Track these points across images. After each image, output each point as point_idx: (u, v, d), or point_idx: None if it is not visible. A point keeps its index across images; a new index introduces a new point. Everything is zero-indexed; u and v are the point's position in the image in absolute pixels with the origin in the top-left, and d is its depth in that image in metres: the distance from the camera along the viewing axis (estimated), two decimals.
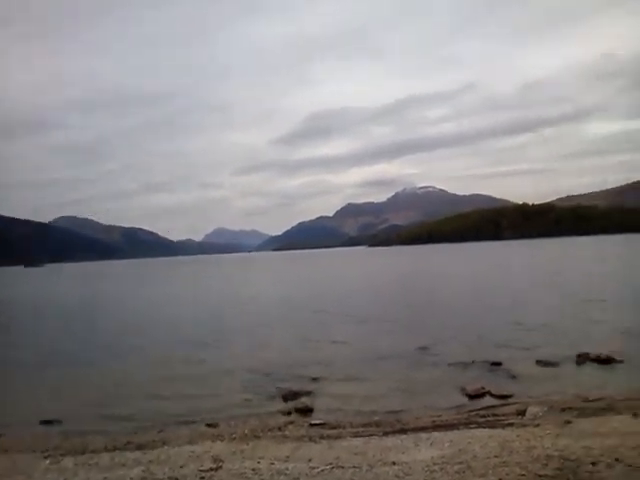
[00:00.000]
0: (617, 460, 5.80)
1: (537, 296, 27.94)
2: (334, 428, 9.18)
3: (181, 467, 6.84)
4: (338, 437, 8.44)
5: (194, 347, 18.39)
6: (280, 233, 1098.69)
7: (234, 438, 8.73)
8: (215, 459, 7.12)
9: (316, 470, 6.31)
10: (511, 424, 8.40)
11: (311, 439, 8.34)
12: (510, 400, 10.41)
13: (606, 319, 19.09)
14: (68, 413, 11.24)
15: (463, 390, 11.19)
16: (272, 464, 6.72)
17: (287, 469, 6.44)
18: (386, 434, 8.48)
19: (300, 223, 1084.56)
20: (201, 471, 6.59)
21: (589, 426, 7.72)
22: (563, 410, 9.09)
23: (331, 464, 6.55)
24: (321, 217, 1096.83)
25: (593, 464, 5.74)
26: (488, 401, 10.53)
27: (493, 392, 10.89)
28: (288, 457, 7.12)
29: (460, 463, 6.21)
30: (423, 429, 8.63)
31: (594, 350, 13.65)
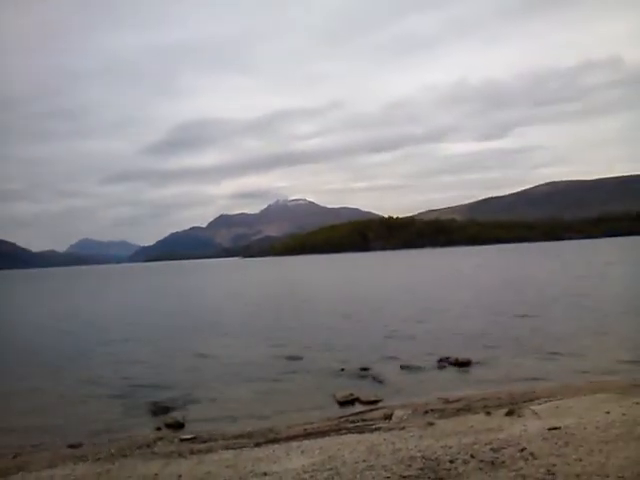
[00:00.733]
0: (472, 456, 6.22)
1: (397, 304, 29.46)
2: (205, 442, 9.00)
3: None
4: (209, 451, 8.28)
5: (52, 362, 17.19)
6: (152, 244, 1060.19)
7: (99, 458, 8.26)
8: None
9: None
10: (379, 428, 8.72)
11: (181, 455, 8.12)
12: (378, 405, 10.83)
13: (462, 325, 20.52)
14: None
15: (333, 397, 11.48)
16: None
17: None
18: (258, 445, 8.46)
19: (173, 234, 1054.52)
20: None
21: (449, 426, 8.22)
22: (426, 412, 9.62)
23: (201, 479, 6.42)
24: (194, 228, 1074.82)
25: (451, 462, 6.11)
26: (357, 407, 10.88)
27: (362, 398, 11.26)
28: (157, 475, 6.87)
29: (330, 470, 6.33)
30: (295, 438, 8.70)
31: (453, 354, 14.62)
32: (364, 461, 6.54)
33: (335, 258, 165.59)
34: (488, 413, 8.88)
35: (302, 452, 7.45)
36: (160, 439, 9.44)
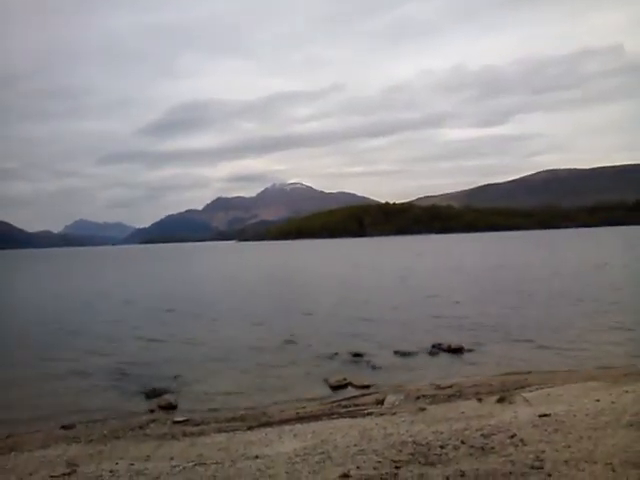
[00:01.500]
0: (462, 442, 6.27)
1: (391, 290, 29.56)
2: (198, 425, 9.05)
3: (30, 474, 6.40)
4: (202, 433, 8.34)
5: (45, 345, 17.19)
6: (147, 226, 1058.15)
7: (91, 440, 8.32)
8: (69, 463, 6.73)
9: (177, 468, 6.18)
10: (371, 413, 8.79)
11: (174, 437, 8.17)
12: (370, 390, 10.90)
13: (455, 312, 20.63)
14: None
15: (326, 382, 11.54)
16: (131, 465, 6.48)
17: (147, 469, 6.24)
18: (250, 428, 8.52)
19: (168, 216, 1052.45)
20: (53, 477, 6.20)
21: (440, 412, 8.29)
22: (418, 398, 9.70)
23: (193, 461, 6.45)
24: (190, 210, 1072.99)
25: (442, 447, 6.16)
26: (350, 392, 10.95)
27: (354, 383, 11.33)
28: (149, 456, 6.92)
29: (321, 453, 6.38)
30: (287, 421, 8.77)
31: (446, 341, 14.70)
32: (355, 445, 6.59)
33: (331, 243, 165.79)
34: (479, 399, 8.96)
35: (294, 436, 7.51)
36: (153, 421, 9.49)
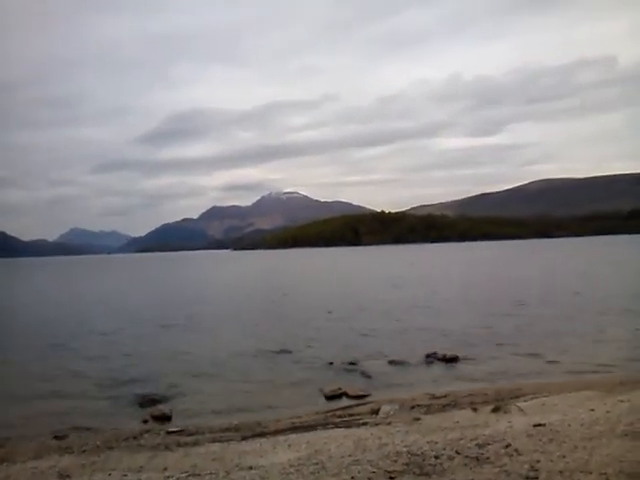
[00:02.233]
0: (457, 452, 6.25)
1: (385, 300, 29.55)
2: (192, 435, 9.00)
3: None
4: (196, 444, 8.29)
5: (38, 352, 17.13)
6: (143, 235, 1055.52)
7: (84, 450, 8.25)
8: (61, 474, 6.68)
9: (171, 479, 6.15)
10: (365, 423, 8.75)
11: (167, 447, 8.12)
12: (365, 400, 10.87)
13: (449, 322, 20.62)
14: None
15: (321, 391, 11.51)
16: (124, 475, 6.43)
17: None
18: (245, 438, 8.47)
19: (164, 224, 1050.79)
20: None
21: (435, 422, 8.26)
22: (413, 408, 9.67)
23: (187, 472, 6.40)
24: (186, 219, 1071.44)
25: (436, 457, 6.14)
26: (345, 402, 10.93)
27: (349, 393, 11.30)
28: (142, 467, 6.86)
29: (316, 464, 6.35)
30: (282, 432, 8.72)
31: (440, 350, 14.69)
32: (350, 456, 6.56)
33: (326, 252, 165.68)
34: (474, 409, 8.94)
35: (289, 446, 7.47)
36: (147, 431, 9.43)
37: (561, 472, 5.36)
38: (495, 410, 8.57)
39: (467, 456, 6.10)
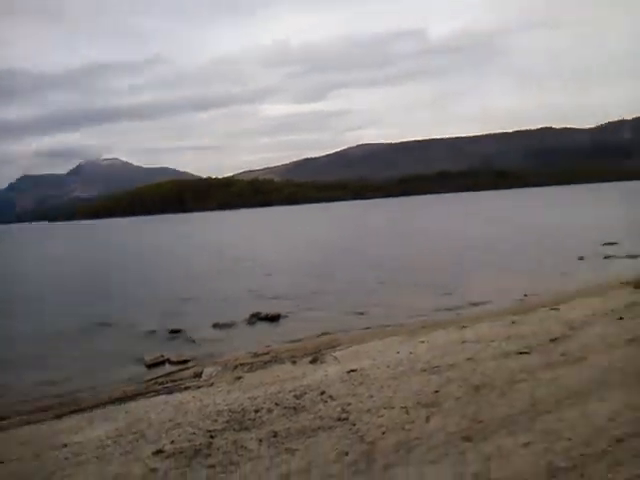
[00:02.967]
0: (276, 404, 6.49)
1: (208, 264, 29.65)
2: None
3: None
4: (2, 429, 7.65)
5: None
6: None
7: None
8: None
9: None
10: (188, 387, 8.71)
11: None
12: (189, 365, 10.75)
13: (272, 282, 21.26)
14: None
15: (142, 360, 11.17)
16: None
17: None
18: (59, 417, 8.03)
19: None
20: None
21: (257, 378, 8.47)
22: (235, 367, 9.80)
23: None
24: None
25: (256, 411, 6.32)
26: (167, 368, 10.70)
27: (172, 359, 11.10)
28: None
29: (134, 433, 6.22)
30: (100, 405, 8.40)
31: (264, 310, 14.98)
32: (170, 420, 6.52)
33: (148, 220, 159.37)
34: (294, 362, 9.32)
35: (106, 419, 7.25)
36: None
37: (369, 410, 5.83)
38: (313, 361, 9.01)
39: (285, 407, 6.36)
